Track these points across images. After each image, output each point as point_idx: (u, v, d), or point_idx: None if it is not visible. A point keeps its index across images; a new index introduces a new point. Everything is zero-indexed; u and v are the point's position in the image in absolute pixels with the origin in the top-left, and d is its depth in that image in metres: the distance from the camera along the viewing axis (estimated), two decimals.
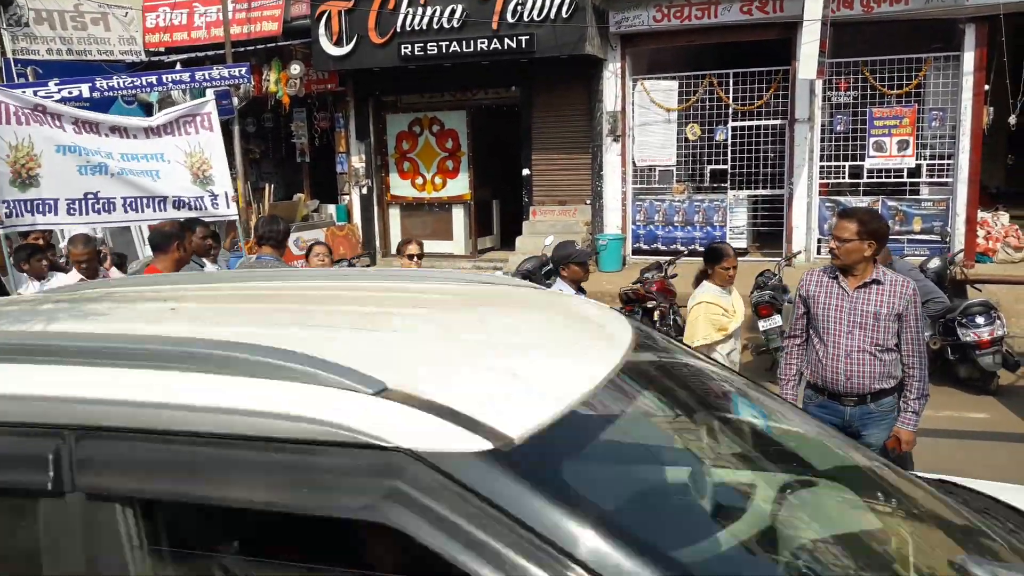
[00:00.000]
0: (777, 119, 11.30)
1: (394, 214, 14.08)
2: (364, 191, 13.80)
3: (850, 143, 10.94)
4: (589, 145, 12.19)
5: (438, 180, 13.67)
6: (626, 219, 12.15)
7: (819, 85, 10.76)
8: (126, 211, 6.64)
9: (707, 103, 11.59)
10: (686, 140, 11.82)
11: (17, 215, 6.10)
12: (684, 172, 12.07)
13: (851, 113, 10.93)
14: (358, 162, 13.75)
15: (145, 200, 6.69)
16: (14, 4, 12.66)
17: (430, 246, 13.32)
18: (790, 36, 10.70)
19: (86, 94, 11.78)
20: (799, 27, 10.10)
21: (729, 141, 11.52)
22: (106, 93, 11.95)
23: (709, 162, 11.85)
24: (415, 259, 5.97)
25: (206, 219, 6.91)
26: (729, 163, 11.58)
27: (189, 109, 7.02)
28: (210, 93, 8.16)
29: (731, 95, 11.41)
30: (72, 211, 6.40)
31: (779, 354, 7.52)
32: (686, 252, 10.74)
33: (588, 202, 12.33)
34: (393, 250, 13.33)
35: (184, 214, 6.75)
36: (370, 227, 13.84)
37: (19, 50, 12.81)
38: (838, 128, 11.00)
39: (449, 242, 13.58)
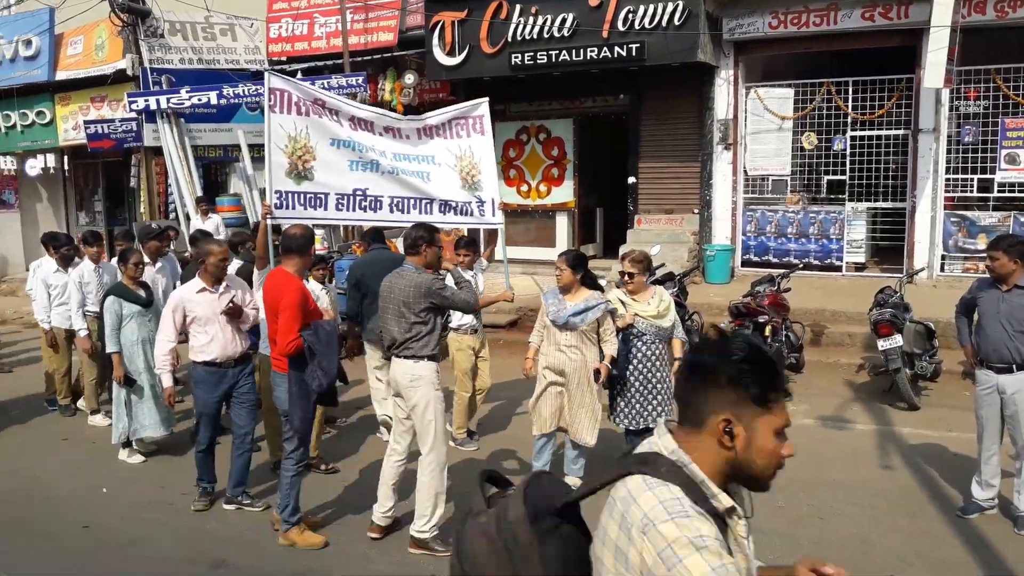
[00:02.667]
0: (899, 129, 10.85)
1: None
2: None
3: (979, 155, 10.39)
4: (698, 153, 12.00)
5: (543, 187, 13.74)
6: (736, 229, 11.89)
7: (946, 94, 10.27)
8: (392, 211, 6.39)
9: (824, 112, 11.24)
10: (801, 149, 11.49)
11: (288, 207, 5.94)
12: (799, 182, 11.73)
13: (980, 124, 10.39)
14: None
15: (412, 201, 6.43)
16: (151, 17, 13.48)
17: (532, 253, 13.45)
18: (915, 43, 10.27)
19: (213, 101, 12.48)
20: (925, 34, 9.68)
21: (848, 151, 11.13)
22: (232, 100, 12.62)
23: (826, 172, 11.48)
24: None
25: (471, 225, 6.70)
26: (847, 174, 11.19)
27: (461, 111, 6.63)
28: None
29: (850, 104, 11.02)
30: (340, 207, 6.20)
31: (898, 376, 7.24)
32: (800, 265, 10.42)
33: (696, 211, 12.14)
34: (498, 255, 13.47)
35: (450, 219, 6.55)
36: (476, 233, 14.00)
37: (155, 60, 13.64)
38: (966, 139, 10.46)
39: (552, 249, 13.57)
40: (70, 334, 7.81)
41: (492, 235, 6.78)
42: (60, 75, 15.39)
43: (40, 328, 8.07)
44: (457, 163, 6.53)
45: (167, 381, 5.58)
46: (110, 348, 6.38)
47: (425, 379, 4.83)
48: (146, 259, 7.02)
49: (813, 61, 11.74)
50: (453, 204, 6.52)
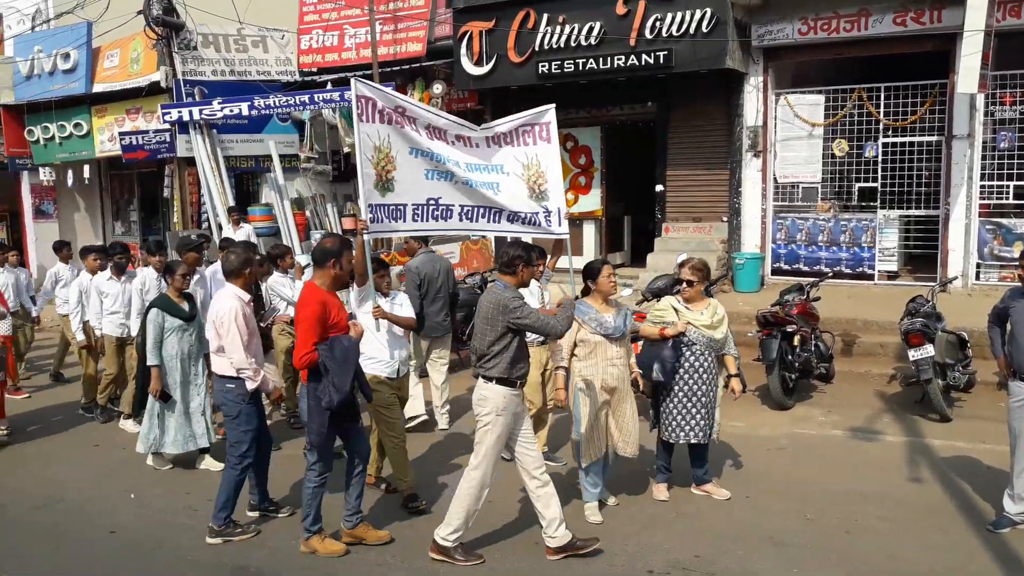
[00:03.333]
0: (932, 135, 10.67)
1: None
2: None
3: (1015, 161, 10.18)
4: (727, 161, 11.90)
5: (570, 196, 13.71)
6: (765, 238, 11.76)
7: (980, 99, 10.08)
8: (460, 219, 6.22)
9: (855, 118, 11.10)
10: (832, 156, 11.34)
11: (378, 221, 5.72)
12: (830, 190, 11.58)
13: (1017, 129, 10.18)
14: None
15: (480, 210, 6.25)
16: (185, 30, 13.73)
17: (560, 261, 13.40)
18: (948, 48, 10.10)
19: (245, 112, 12.66)
20: (958, 38, 9.51)
21: (879, 158, 10.97)
22: (263, 111, 12.79)
23: (857, 179, 11.33)
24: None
25: (538, 236, 6.36)
26: (879, 181, 11.02)
27: (528, 118, 6.39)
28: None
29: (882, 110, 10.87)
30: (416, 217, 5.98)
31: (930, 386, 7.09)
32: (831, 274, 10.27)
33: (725, 219, 12.03)
34: None
35: (517, 228, 6.35)
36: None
37: (188, 71, 13.88)
38: (1002, 145, 10.25)
39: (579, 257, 13.52)
40: (121, 342, 7.86)
41: (556, 245, 6.52)
42: (97, 88, 15.72)
43: (71, 334, 8.15)
44: (524, 172, 6.35)
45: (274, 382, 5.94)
46: (151, 361, 6.30)
47: (490, 401, 4.72)
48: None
49: (844, 67, 11.60)
50: (521, 215, 6.32)
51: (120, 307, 7.83)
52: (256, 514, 5.61)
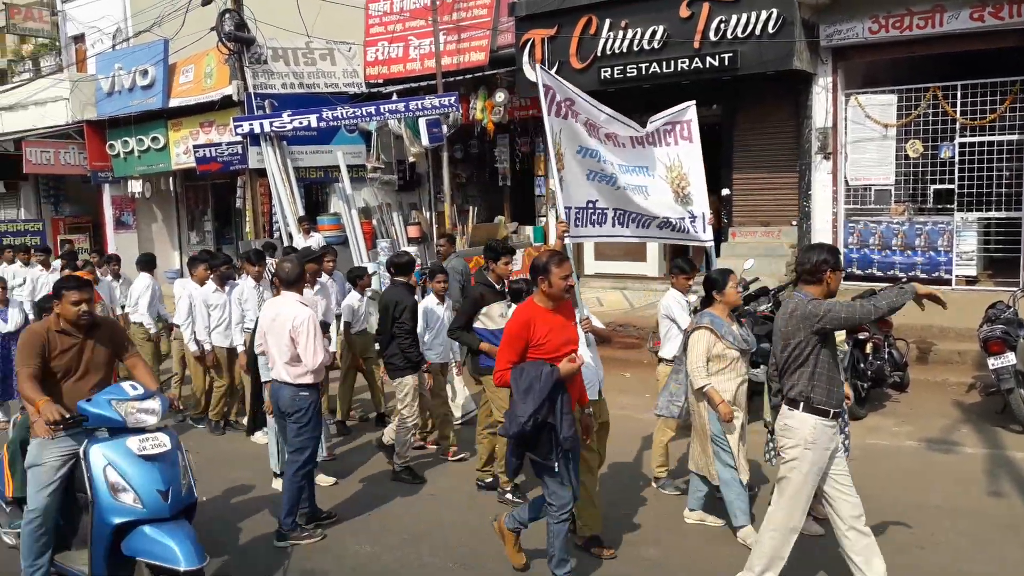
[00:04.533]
0: (1014, 134, 10.24)
1: None
2: None
3: None
4: (796, 163, 11.65)
5: None
6: (837, 242, 11.45)
7: None
8: (613, 225, 5.80)
9: (930, 117, 10.73)
10: (906, 157, 10.99)
11: (583, 223, 5.44)
12: (904, 192, 11.22)
13: None
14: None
15: (632, 215, 5.84)
16: (255, 45, 14.12)
17: (623, 267, 13.33)
18: None
19: (314, 124, 12.94)
20: None
21: (956, 158, 10.58)
22: (331, 123, 13.05)
23: (932, 181, 10.94)
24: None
25: (686, 243, 6.15)
26: (956, 182, 10.63)
27: (670, 116, 5.96)
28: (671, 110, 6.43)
29: (958, 109, 10.48)
30: (578, 222, 5.54)
31: (1011, 396, 6.79)
32: (905, 279, 9.95)
33: (794, 223, 11.77)
34: (586, 270, 13.44)
35: (667, 235, 6.02)
36: (564, 248, 14.00)
37: (259, 85, 14.26)
38: None
39: (643, 263, 13.45)
40: (230, 352, 7.89)
41: (698, 253, 6.31)
42: (173, 102, 16.29)
43: (186, 347, 8.03)
44: (668, 174, 5.94)
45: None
46: (265, 376, 6.00)
47: (797, 433, 4.06)
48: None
49: (917, 65, 11.24)
50: (672, 221, 5.91)
51: (226, 317, 7.85)
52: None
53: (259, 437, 7.35)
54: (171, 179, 17.74)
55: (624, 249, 13.37)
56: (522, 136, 14.37)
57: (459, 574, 4.90)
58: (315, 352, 5.29)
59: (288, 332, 5.28)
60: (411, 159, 14.30)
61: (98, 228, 19.84)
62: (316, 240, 12.51)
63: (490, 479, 6.15)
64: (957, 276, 10.70)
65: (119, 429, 4.23)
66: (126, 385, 4.38)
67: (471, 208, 14.29)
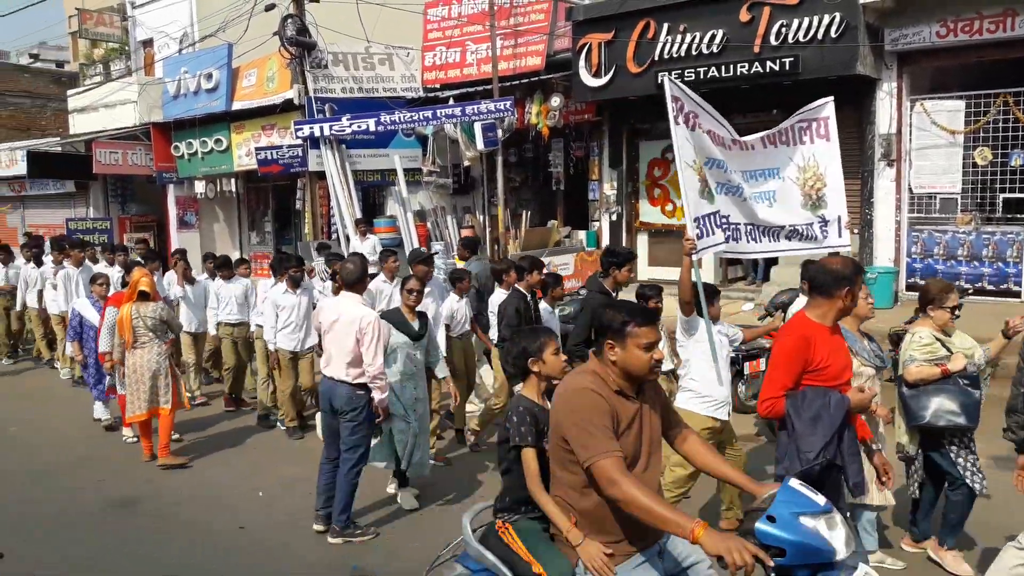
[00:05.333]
0: None
1: (642, 240, 14.07)
2: (614, 217, 13.95)
3: None
4: (858, 170, 11.38)
5: None
6: (900, 251, 11.17)
7: None
8: (748, 241, 5.42)
9: (1000, 124, 10.39)
10: (974, 165, 10.66)
11: (707, 234, 5.08)
12: (971, 201, 10.88)
13: None
14: (609, 189, 13.95)
15: (761, 229, 5.45)
16: (316, 49, 14.38)
17: (676, 274, 13.14)
18: None
19: (372, 128, 13.12)
20: None
21: None
22: (389, 127, 13.21)
23: (1002, 190, 10.59)
24: None
25: (815, 252, 5.64)
26: None
27: (806, 113, 5.56)
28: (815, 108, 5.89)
29: None
30: (707, 232, 5.16)
31: None
32: (971, 291, 9.66)
33: (855, 231, 11.49)
34: (640, 276, 13.34)
35: (795, 245, 5.57)
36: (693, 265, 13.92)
37: (319, 89, 14.52)
38: None
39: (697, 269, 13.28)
40: (295, 356, 7.80)
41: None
42: (236, 105, 16.69)
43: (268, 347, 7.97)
44: (800, 175, 5.54)
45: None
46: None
47: None
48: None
49: (987, 71, 10.88)
50: (799, 229, 5.50)
51: (295, 319, 7.72)
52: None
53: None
54: (233, 180, 18.15)
55: (677, 257, 13.20)
56: (576, 140, 14.35)
57: None
58: (376, 354, 5.38)
59: (355, 333, 5.37)
60: (466, 163, 14.40)
61: (162, 227, 20.42)
62: (372, 242, 12.67)
63: None
64: None
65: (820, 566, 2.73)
66: (794, 483, 2.87)
67: (524, 212, 14.31)
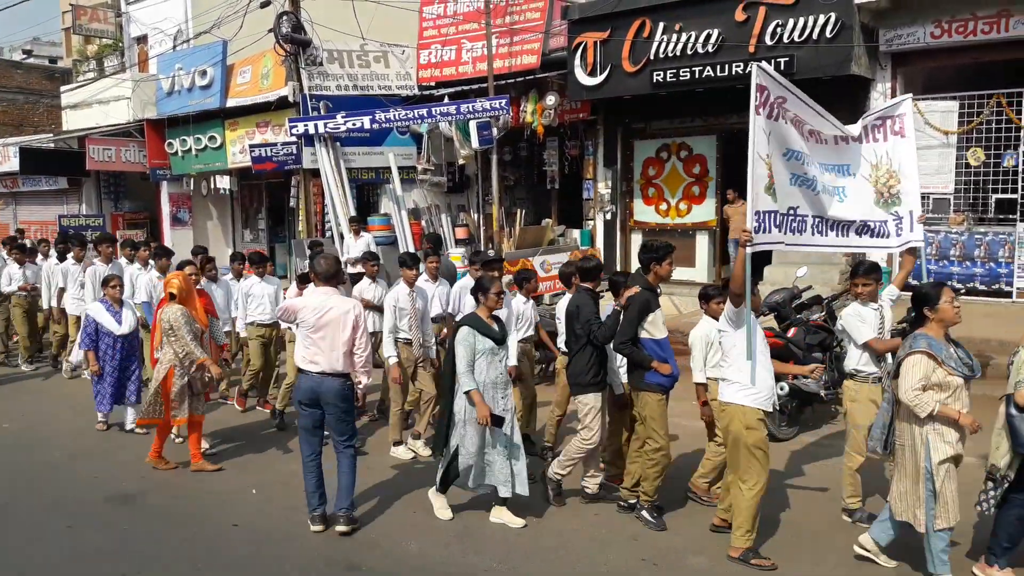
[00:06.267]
0: None
1: (636, 239, 14.09)
2: (608, 216, 13.97)
3: None
4: None
5: (683, 206, 13.52)
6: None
7: None
8: (812, 233, 5.28)
9: (993, 125, 10.44)
10: (966, 166, 10.71)
11: (765, 230, 4.90)
12: (963, 201, 10.93)
13: None
14: (604, 188, 13.97)
15: (829, 223, 5.34)
16: (311, 47, 14.36)
17: (675, 274, 13.17)
18: None
19: (367, 125, 13.09)
20: None
21: (1020, 167, 10.28)
22: (384, 125, 13.19)
23: (994, 191, 10.64)
24: None
25: (887, 249, 5.65)
26: (1020, 192, 10.32)
27: (882, 111, 5.58)
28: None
29: (1023, 116, 10.20)
30: (768, 228, 5.01)
31: None
32: (963, 290, 9.71)
33: None
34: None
35: (865, 242, 5.51)
36: (611, 252, 13.97)
37: (314, 86, 14.49)
38: None
39: (691, 269, 13.34)
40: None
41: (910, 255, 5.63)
42: (230, 102, 16.65)
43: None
44: (872, 172, 5.48)
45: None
46: (467, 385, 5.42)
47: None
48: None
49: (981, 71, 10.93)
50: (870, 225, 5.44)
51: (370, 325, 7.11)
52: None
53: (400, 452, 7.15)
54: (227, 177, 18.09)
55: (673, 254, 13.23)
56: (571, 139, 14.36)
57: (504, 572, 4.92)
58: (368, 342, 5.69)
59: (351, 323, 5.54)
60: (461, 161, 14.40)
61: (155, 224, 20.37)
62: (366, 240, 12.66)
63: (633, 500, 5.73)
64: (1019, 288, 10.39)
65: None
66: None
67: (519, 210, 14.32)
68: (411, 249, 13.06)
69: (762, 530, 5.07)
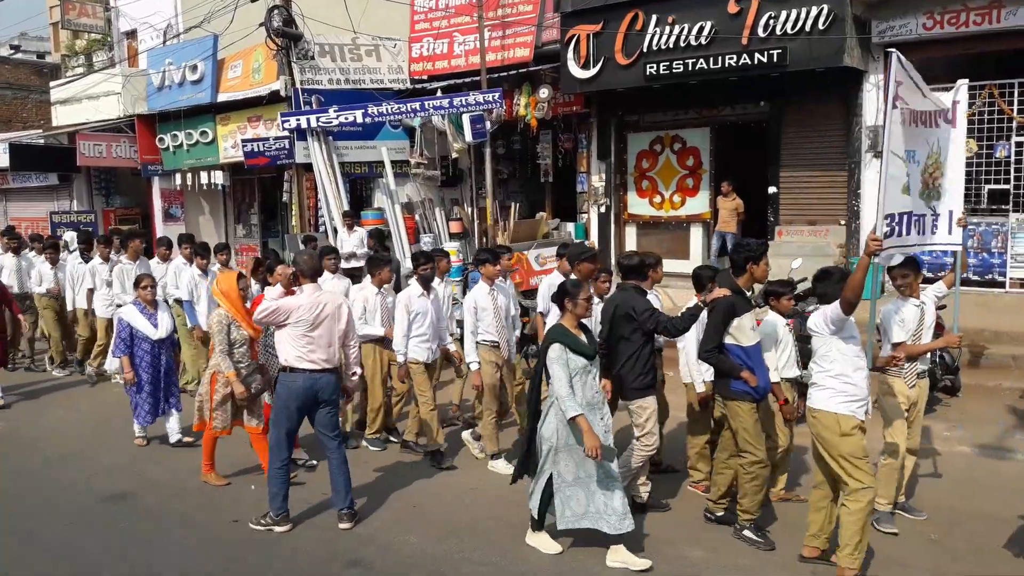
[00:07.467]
0: None
1: (630, 232, 14.11)
2: (602, 209, 13.97)
3: None
4: (845, 162, 11.46)
5: (676, 198, 13.53)
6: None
7: None
8: (920, 233, 4.90)
9: (986, 116, 10.47)
10: None
11: (897, 233, 4.58)
12: None
13: None
14: (598, 181, 13.96)
15: (897, 217, 4.79)
16: (303, 40, 14.29)
17: (665, 265, 13.16)
18: None
19: (359, 119, 13.06)
20: None
21: (1012, 158, 10.31)
22: (376, 119, 13.16)
23: (987, 181, 10.67)
24: None
25: (924, 247, 5.13)
26: (1012, 183, 10.36)
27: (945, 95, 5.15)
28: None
29: (1015, 107, 10.21)
30: (893, 232, 4.62)
31: None
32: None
33: (842, 223, 11.58)
34: None
35: (913, 240, 5.00)
36: (606, 245, 13.97)
37: (305, 80, 14.43)
38: None
39: (685, 261, 13.32)
40: (428, 367, 6.89)
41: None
42: (221, 97, 16.56)
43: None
44: (925, 160, 5.05)
45: None
46: (572, 411, 4.70)
47: None
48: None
49: (973, 63, 10.95)
50: (916, 219, 4.86)
51: (427, 329, 6.76)
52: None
53: (499, 466, 6.62)
54: (219, 172, 18.00)
55: (666, 248, 13.27)
56: (565, 132, 14.34)
57: (503, 567, 4.92)
58: (355, 335, 5.91)
59: (344, 316, 5.67)
60: (454, 155, 14.36)
61: (147, 220, 20.26)
62: (360, 235, 12.63)
63: (722, 513, 5.44)
64: (1011, 279, 10.44)
65: None
66: None
67: (513, 204, 14.29)
68: (405, 243, 13.05)
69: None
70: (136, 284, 7.53)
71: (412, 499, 6.04)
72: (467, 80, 13.84)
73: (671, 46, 11.50)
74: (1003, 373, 8.39)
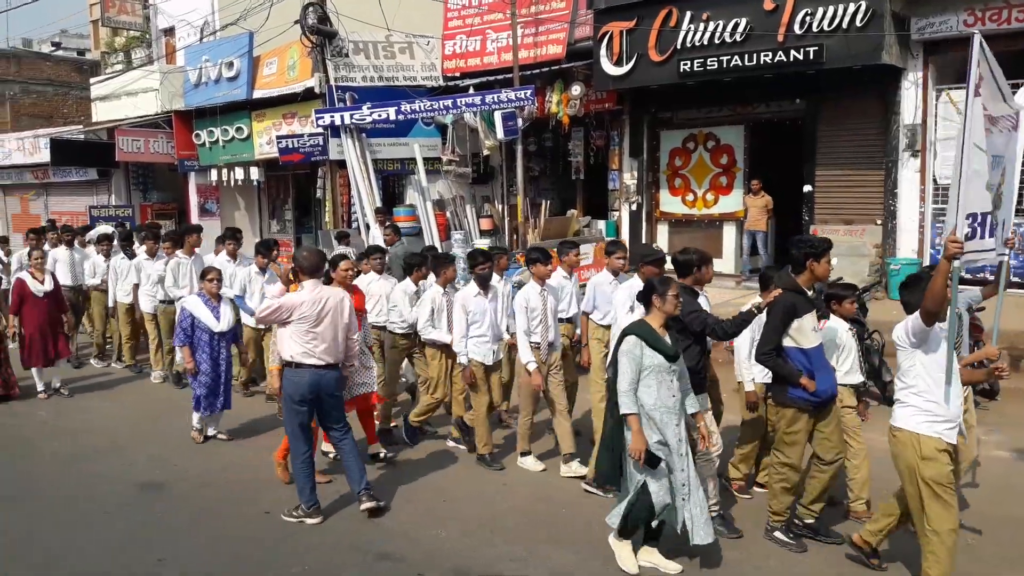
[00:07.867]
0: None
1: (662, 230, 14.03)
2: (634, 207, 13.91)
3: None
4: (882, 160, 11.29)
5: (709, 196, 13.43)
6: (923, 243, 11.07)
7: None
8: (983, 236, 4.34)
9: None
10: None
11: (978, 235, 4.20)
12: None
13: None
14: (630, 179, 13.90)
15: (971, 218, 4.25)
16: (337, 38, 14.41)
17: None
18: None
19: (392, 116, 13.14)
20: None
21: None
22: (409, 116, 13.24)
23: None
24: None
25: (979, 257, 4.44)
26: None
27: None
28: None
29: None
30: (972, 234, 4.18)
31: None
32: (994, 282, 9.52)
33: (878, 222, 11.42)
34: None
35: (990, 246, 4.47)
36: (637, 243, 13.91)
37: (340, 78, 14.56)
38: None
39: (718, 260, 13.23)
40: (488, 368, 6.70)
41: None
42: (256, 94, 16.75)
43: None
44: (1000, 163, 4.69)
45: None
46: (628, 407, 4.59)
47: None
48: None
49: (1015, 60, 10.72)
50: (977, 220, 4.31)
51: (486, 330, 6.59)
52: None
53: (530, 463, 6.57)
54: (254, 169, 18.22)
55: (700, 246, 12.97)
56: (597, 129, 14.30)
57: (530, 562, 4.93)
58: (355, 329, 5.93)
59: (346, 312, 5.71)
60: (485, 152, 14.40)
61: (183, 215, 20.58)
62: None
63: (811, 520, 5.11)
64: None
65: None
66: None
67: (543, 201, 14.30)
68: (436, 240, 13.11)
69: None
70: (202, 276, 7.59)
71: (443, 493, 6.07)
72: (499, 77, 13.87)
73: (705, 43, 11.42)
74: None
